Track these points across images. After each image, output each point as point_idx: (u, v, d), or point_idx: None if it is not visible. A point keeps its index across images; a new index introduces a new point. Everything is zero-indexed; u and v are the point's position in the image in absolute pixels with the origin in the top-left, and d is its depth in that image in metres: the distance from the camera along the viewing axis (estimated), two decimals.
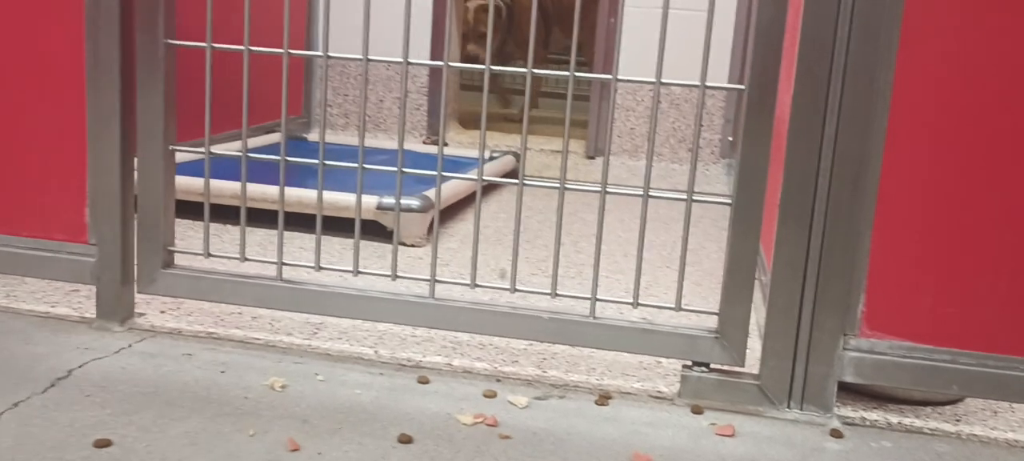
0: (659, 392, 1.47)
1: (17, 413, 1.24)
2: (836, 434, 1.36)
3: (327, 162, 1.51)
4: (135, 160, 1.55)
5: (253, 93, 1.53)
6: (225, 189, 2.24)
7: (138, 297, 1.62)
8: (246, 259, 1.58)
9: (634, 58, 3.65)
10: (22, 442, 1.16)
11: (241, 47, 1.49)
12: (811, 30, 1.31)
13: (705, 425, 1.37)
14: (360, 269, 1.55)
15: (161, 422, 1.24)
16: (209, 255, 1.59)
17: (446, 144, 1.47)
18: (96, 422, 1.23)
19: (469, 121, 4.44)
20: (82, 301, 1.67)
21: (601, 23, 3.87)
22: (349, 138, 3.73)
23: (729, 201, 1.39)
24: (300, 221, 2.17)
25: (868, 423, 1.41)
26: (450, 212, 2.66)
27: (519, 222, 1.48)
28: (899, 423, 1.41)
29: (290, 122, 3.67)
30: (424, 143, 3.92)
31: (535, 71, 1.45)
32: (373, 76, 3.97)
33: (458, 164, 3.22)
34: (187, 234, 2.18)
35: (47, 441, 1.17)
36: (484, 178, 1.50)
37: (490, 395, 1.41)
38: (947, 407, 1.48)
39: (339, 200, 2.21)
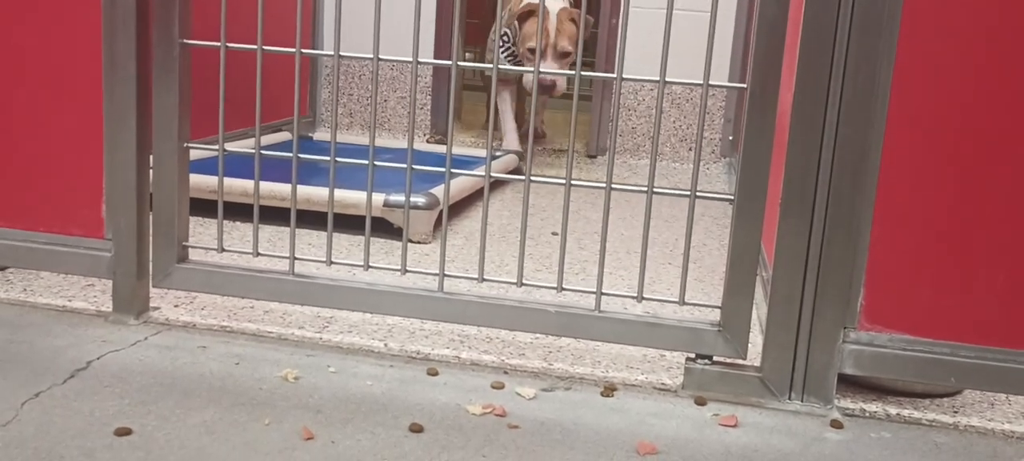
0: (663, 384, 1.50)
1: (39, 402, 1.27)
2: (836, 425, 1.40)
3: (339, 159, 1.54)
4: (150, 157, 1.58)
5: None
6: (234, 186, 2.27)
7: (153, 291, 1.65)
8: (259, 254, 1.61)
9: (634, 58, 3.68)
10: (45, 430, 1.19)
11: (254, 46, 1.52)
12: (812, 26, 1.34)
13: (709, 416, 1.40)
14: (369, 264, 1.58)
15: (179, 412, 1.28)
16: (222, 250, 1.62)
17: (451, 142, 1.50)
18: (116, 411, 1.26)
19: (472, 123, 4.47)
20: (98, 295, 1.70)
21: (603, 24, 3.90)
22: (353, 137, 3.77)
23: (731, 197, 1.42)
24: (306, 218, 2.20)
25: (868, 414, 1.44)
26: (454, 210, 2.69)
27: (526, 216, 1.52)
28: (898, 414, 1.45)
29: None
30: (428, 142, 3.95)
31: (543, 71, 1.49)
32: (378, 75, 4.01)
33: (462, 163, 3.25)
34: (196, 231, 2.21)
35: (69, 429, 1.20)
36: (492, 175, 1.53)
37: (498, 386, 1.45)
38: (945, 399, 1.51)
39: (346, 198, 2.24)
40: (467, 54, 5.25)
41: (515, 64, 3.53)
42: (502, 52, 3.57)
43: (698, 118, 1.41)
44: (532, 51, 3.41)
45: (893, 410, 1.45)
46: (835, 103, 1.35)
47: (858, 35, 1.33)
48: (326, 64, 3.95)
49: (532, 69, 1.53)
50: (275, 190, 2.29)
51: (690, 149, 3.95)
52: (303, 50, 1.52)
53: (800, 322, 1.42)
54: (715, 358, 1.48)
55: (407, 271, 1.58)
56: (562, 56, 3.39)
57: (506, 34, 3.54)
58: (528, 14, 3.46)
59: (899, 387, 1.50)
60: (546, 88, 3.39)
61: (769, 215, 1.42)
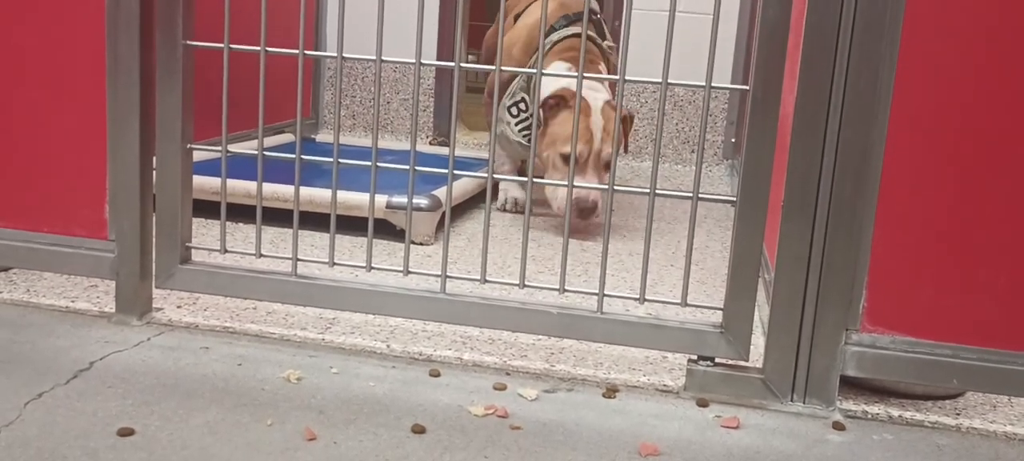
0: (665, 385, 1.50)
1: (42, 403, 1.27)
2: (838, 427, 1.40)
3: (342, 161, 1.54)
4: (154, 158, 1.59)
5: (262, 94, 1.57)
6: (238, 188, 2.28)
7: (155, 292, 1.66)
8: (262, 255, 1.62)
9: (635, 61, 3.67)
10: (49, 430, 1.20)
11: (257, 48, 1.52)
12: (815, 29, 1.34)
13: (711, 417, 1.40)
14: (372, 266, 1.58)
15: (182, 412, 1.28)
16: (225, 251, 1.62)
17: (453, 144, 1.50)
18: (119, 412, 1.26)
19: (475, 124, 4.48)
20: (101, 296, 1.71)
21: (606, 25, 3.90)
22: (356, 139, 3.77)
23: (734, 199, 1.42)
24: (308, 219, 2.21)
25: (870, 416, 1.44)
26: (455, 212, 2.69)
27: (528, 218, 1.52)
28: (900, 416, 1.45)
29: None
30: (430, 144, 3.96)
31: (545, 73, 1.49)
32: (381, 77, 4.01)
33: (463, 165, 3.25)
34: (199, 232, 2.21)
35: (73, 430, 1.20)
36: (495, 176, 1.53)
37: (500, 388, 1.45)
38: (947, 401, 1.51)
39: (349, 199, 2.25)
40: (469, 57, 5.26)
41: (529, 136, 2.64)
42: (515, 124, 2.66)
43: (701, 120, 1.41)
44: (565, 159, 2.47)
45: (895, 412, 1.45)
46: (837, 105, 1.36)
47: (860, 37, 1.33)
48: (329, 66, 3.95)
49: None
50: (278, 191, 2.30)
51: (692, 151, 3.95)
52: (306, 52, 1.52)
53: (802, 324, 1.42)
54: (717, 360, 1.48)
55: (409, 272, 1.58)
56: (606, 168, 2.46)
57: (523, 100, 2.64)
58: (558, 105, 2.49)
59: (901, 389, 1.50)
60: (586, 210, 2.44)
61: (771, 217, 1.42)
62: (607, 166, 2.46)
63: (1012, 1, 1.30)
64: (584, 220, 2.49)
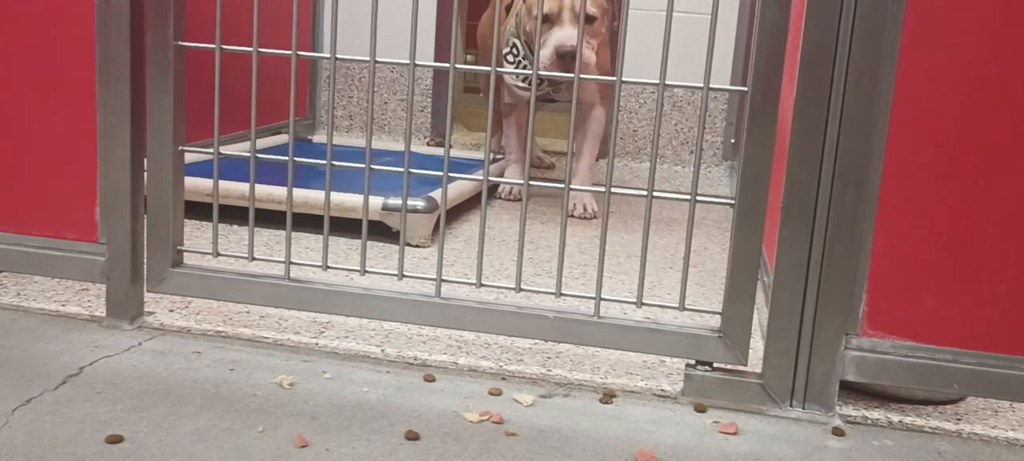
0: (663, 391, 1.49)
1: (30, 409, 1.26)
2: (838, 432, 1.38)
3: (335, 163, 1.53)
4: (145, 160, 1.57)
5: (257, 95, 1.55)
6: (231, 190, 2.26)
7: (147, 296, 1.64)
8: (254, 258, 1.60)
9: (635, 61, 3.66)
10: (36, 437, 1.18)
11: (250, 48, 1.50)
12: (814, 32, 1.33)
13: (709, 423, 1.38)
14: (367, 269, 1.57)
15: (172, 419, 1.26)
16: (218, 254, 1.61)
17: (450, 145, 1.49)
18: (108, 418, 1.25)
19: (474, 125, 4.46)
20: (91, 300, 1.69)
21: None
22: (353, 140, 3.75)
23: (732, 201, 1.41)
24: (303, 221, 2.19)
25: (870, 422, 1.43)
26: (453, 213, 2.68)
27: (524, 220, 1.50)
28: (901, 422, 1.43)
29: (294, 124, 3.68)
30: (428, 145, 3.94)
31: (541, 73, 1.47)
32: (377, 78, 3.99)
33: (461, 166, 3.24)
34: (192, 235, 2.20)
35: (61, 436, 1.18)
36: (490, 178, 1.51)
37: (496, 393, 1.43)
38: (948, 406, 1.50)
39: (344, 201, 2.23)
40: (467, 57, 5.25)
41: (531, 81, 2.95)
42: (513, 67, 2.77)
43: (699, 121, 1.40)
44: (546, 20, 2.54)
45: (895, 417, 1.44)
46: (837, 108, 1.34)
47: (860, 40, 1.32)
48: (326, 66, 3.94)
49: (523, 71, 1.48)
50: (272, 193, 2.28)
51: (691, 152, 3.93)
52: (299, 53, 1.50)
53: (801, 328, 1.41)
54: (715, 365, 1.46)
55: (404, 276, 1.56)
56: (586, 21, 2.42)
57: (515, 46, 2.76)
58: None
59: (901, 394, 1.49)
60: (566, 54, 2.46)
61: (770, 220, 1.41)
62: (587, 20, 2.51)
63: (1014, 5, 1.28)
64: (567, 65, 2.49)
